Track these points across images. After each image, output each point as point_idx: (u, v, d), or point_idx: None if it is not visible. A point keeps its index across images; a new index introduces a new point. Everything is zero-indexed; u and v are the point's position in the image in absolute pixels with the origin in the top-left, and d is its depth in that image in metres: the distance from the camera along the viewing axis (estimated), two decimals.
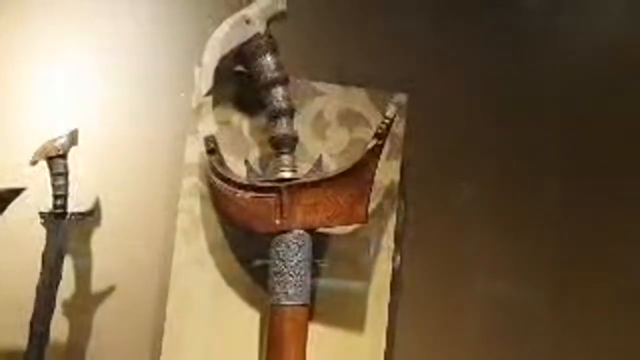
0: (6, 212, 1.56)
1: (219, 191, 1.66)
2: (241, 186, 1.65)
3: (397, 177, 1.76)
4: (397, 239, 1.77)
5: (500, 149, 1.92)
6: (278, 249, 1.62)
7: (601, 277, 1.89)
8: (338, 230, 1.70)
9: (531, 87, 1.95)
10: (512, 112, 1.94)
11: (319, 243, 1.69)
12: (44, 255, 1.68)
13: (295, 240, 1.62)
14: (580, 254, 1.90)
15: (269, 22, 1.68)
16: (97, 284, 1.78)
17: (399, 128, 1.75)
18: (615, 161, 1.94)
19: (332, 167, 1.72)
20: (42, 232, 1.69)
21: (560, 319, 1.88)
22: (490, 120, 1.93)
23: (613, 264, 1.90)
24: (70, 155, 1.70)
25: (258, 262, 1.69)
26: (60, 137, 1.70)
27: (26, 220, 1.70)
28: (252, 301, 1.71)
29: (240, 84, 1.74)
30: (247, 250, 1.71)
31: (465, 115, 1.92)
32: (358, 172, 1.60)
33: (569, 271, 1.89)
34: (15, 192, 1.56)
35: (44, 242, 1.68)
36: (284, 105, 1.65)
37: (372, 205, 1.68)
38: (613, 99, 1.97)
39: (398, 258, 1.81)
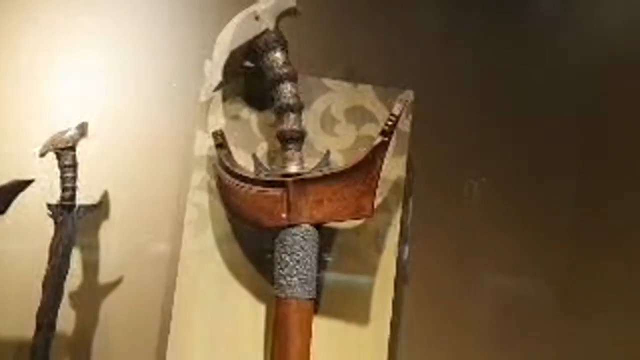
0: (15, 203, 1.56)
1: (227, 185, 1.66)
2: (248, 180, 1.64)
3: (403, 173, 1.76)
4: (404, 234, 1.77)
5: (507, 145, 1.92)
6: (284, 242, 1.62)
7: (611, 270, 1.88)
8: (344, 224, 1.70)
9: (541, 83, 1.95)
10: (520, 108, 1.93)
11: (325, 237, 1.69)
12: (51, 247, 1.67)
13: (301, 234, 1.62)
14: (590, 249, 1.90)
15: (278, 18, 1.68)
16: (104, 276, 1.78)
17: (405, 125, 1.75)
18: (628, 157, 1.94)
19: (339, 162, 1.72)
20: (51, 223, 1.68)
21: (569, 315, 1.87)
22: (497, 117, 1.93)
23: (624, 258, 1.90)
24: (79, 148, 1.70)
25: (265, 256, 1.69)
26: (70, 129, 1.70)
27: (35, 211, 1.70)
28: (259, 294, 1.71)
29: (249, 79, 1.74)
30: (254, 243, 1.72)
31: (472, 112, 1.91)
32: (364, 168, 1.60)
33: (579, 267, 1.89)
34: (24, 184, 1.57)
35: (52, 234, 1.67)
36: (291, 101, 1.65)
37: (378, 201, 1.68)
38: (626, 96, 1.96)
39: (405, 253, 1.82)
